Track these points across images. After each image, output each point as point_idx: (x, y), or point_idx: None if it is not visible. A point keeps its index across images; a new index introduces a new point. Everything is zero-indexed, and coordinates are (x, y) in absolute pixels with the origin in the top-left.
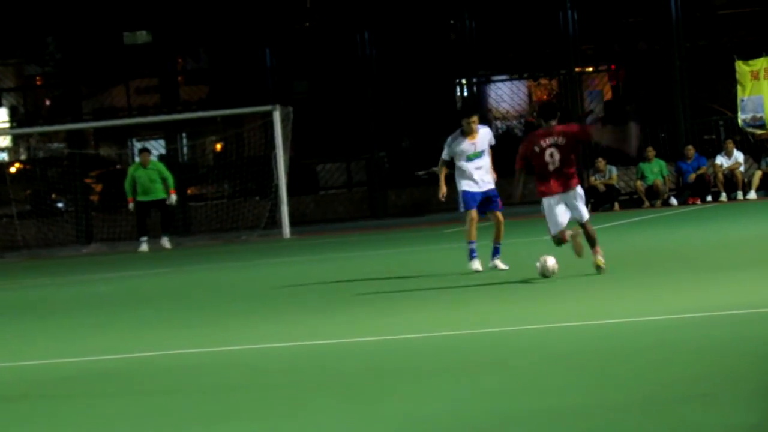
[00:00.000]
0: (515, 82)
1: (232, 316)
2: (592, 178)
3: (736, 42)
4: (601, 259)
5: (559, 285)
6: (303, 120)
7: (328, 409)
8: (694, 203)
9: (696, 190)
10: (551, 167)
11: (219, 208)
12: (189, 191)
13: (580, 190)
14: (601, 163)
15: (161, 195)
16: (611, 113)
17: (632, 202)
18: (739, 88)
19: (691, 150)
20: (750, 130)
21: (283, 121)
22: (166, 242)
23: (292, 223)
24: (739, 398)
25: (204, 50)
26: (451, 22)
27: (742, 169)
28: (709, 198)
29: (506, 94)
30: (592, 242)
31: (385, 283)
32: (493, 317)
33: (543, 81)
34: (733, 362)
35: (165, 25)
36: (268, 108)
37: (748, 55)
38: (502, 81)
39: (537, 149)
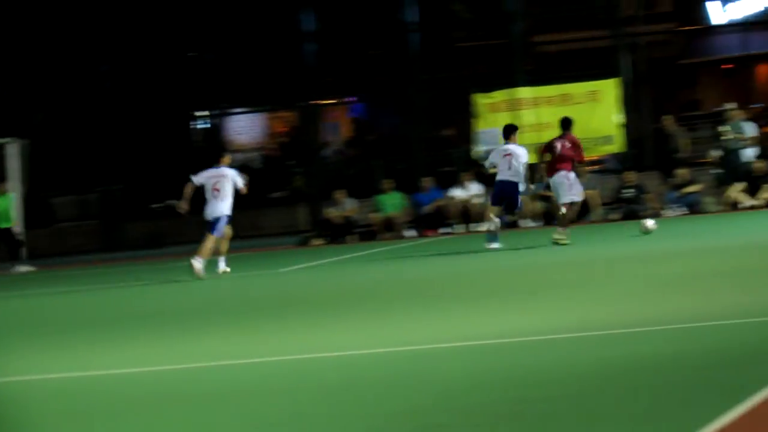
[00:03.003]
0: (254, 114)
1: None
2: (329, 210)
3: (474, 75)
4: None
5: (282, 317)
6: (38, 152)
7: None
8: (430, 235)
9: (432, 221)
10: None
11: None
12: None
13: None
14: (339, 194)
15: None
16: (350, 145)
17: (369, 234)
18: (476, 120)
19: (427, 182)
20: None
21: (20, 154)
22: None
23: (29, 257)
24: (472, 428)
25: None
26: (190, 54)
27: (478, 200)
28: (446, 229)
29: (245, 127)
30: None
31: (110, 316)
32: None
33: (282, 113)
34: (463, 393)
35: None
36: (2, 140)
37: (486, 88)
38: (240, 113)
39: None
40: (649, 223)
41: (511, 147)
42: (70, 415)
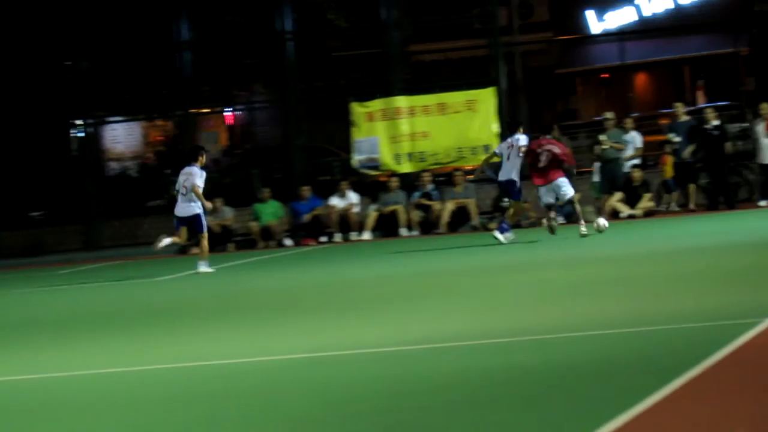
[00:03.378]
0: (131, 123)
1: None
2: (207, 219)
3: (351, 83)
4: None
5: (171, 326)
6: None
7: None
8: (308, 244)
9: (310, 230)
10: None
11: None
12: None
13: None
14: (216, 202)
15: None
16: (228, 154)
17: (247, 242)
18: (354, 129)
19: (306, 190)
20: (365, 171)
21: None
22: None
23: None
24: None
25: None
26: (66, 63)
27: (356, 209)
28: (324, 239)
29: (121, 135)
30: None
31: None
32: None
33: (159, 122)
34: (345, 401)
35: None
36: None
37: (364, 97)
38: (117, 122)
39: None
40: (601, 221)
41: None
42: None
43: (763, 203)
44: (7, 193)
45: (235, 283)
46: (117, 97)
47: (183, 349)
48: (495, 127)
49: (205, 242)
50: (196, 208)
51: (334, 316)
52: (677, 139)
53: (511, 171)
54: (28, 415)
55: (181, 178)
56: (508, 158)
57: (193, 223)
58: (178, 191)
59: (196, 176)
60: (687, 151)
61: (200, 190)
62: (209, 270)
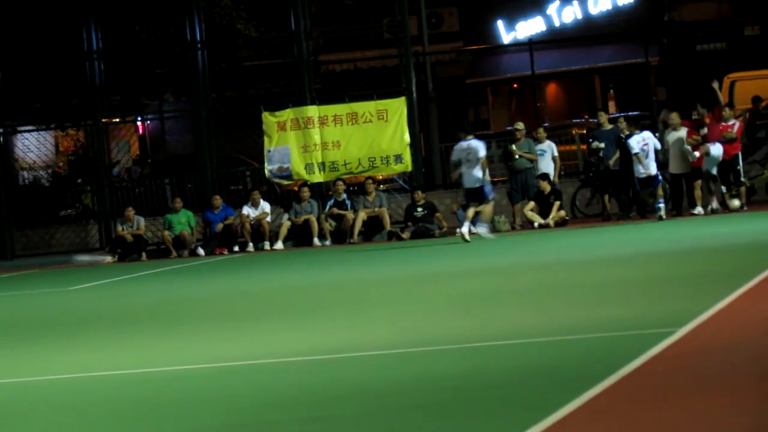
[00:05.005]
0: (42, 132)
1: None
2: (119, 228)
3: (262, 93)
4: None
5: (68, 335)
6: None
7: None
8: (221, 253)
9: (223, 240)
10: None
11: None
12: None
13: None
14: (129, 212)
15: None
16: (140, 163)
17: (160, 252)
18: (266, 138)
19: (218, 200)
20: (277, 180)
21: None
22: None
23: None
24: None
25: None
26: None
27: (269, 219)
28: (237, 248)
29: (33, 145)
30: None
31: None
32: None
33: (70, 131)
34: (249, 412)
35: None
36: None
37: (275, 107)
38: (28, 131)
39: None
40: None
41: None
42: None
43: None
44: None
45: (147, 293)
46: (28, 106)
47: (92, 358)
48: (407, 136)
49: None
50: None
51: (250, 325)
52: (601, 145)
53: (473, 176)
54: None
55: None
56: (468, 162)
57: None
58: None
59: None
60: (612, 160)
61: None
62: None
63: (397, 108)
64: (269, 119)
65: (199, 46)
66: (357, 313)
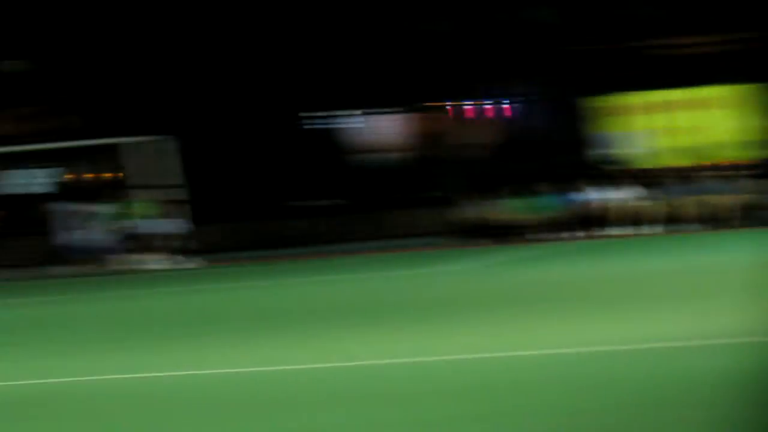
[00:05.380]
0: (397, 114)
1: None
2: (477, 211)
3: None
4: None
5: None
6: (179, 150)
7: None
8: None
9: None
10: None
11: None
12: None
13: None
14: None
15: None
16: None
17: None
18: None
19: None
20: None
21: (156, 152)
22: None
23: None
24: None
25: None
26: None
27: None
28: None
29: (384, 127)
30: None
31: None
32: (408, 347)
33: (418, 114)
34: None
35: (43, 53)
36: (144, 138)
37: None
38: (383, 114)
39: None
40: None
41: None
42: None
43: None
44: (274, 184)
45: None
46: (382, 88)
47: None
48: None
49: None
50: None
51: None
52: None
53: None
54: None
55: None
56: None
57: None
58: None
59: None
60: None
61: None
62: None
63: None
64: None
65: None
66: None
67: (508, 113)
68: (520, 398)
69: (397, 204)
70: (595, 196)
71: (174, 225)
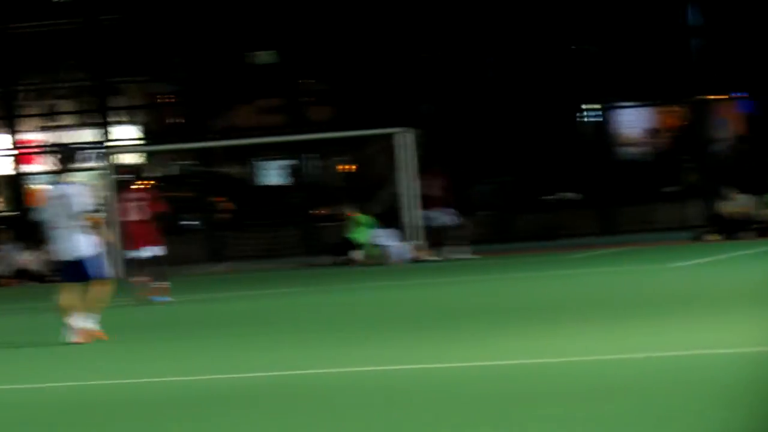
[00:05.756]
0: (640, 108)
1: (367, 337)
2: (722, 205)
3: None
4: None
5: (672, 313)
6: (429, 143)
7: None
8: None
9: None
10: None
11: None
12: (318, 212)
13: None
14: (730, 190)
15: None
16: (742, 141)
17: (765, 230)
18: None
19: None
20: None
21: (409, 144)
22: None
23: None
24: None
25: (330, 71)
26: (575, 47)
27: None
28: None
29: (633, 121)
30: None
31: (514, 306)
32: (633, 343)
33: (669, 108)
34: None
35: (291, 45)
36: (393, 130)
37: None
38: (629, 107)
39: None
40: None
41: None
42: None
43: None
44: (521, 177)
45: (752, 271)
46: (625, 82)
47: (704, 337)
48: None
49: None
50: None
51: None
52: None
53: None
54: (567, 398)
55: None
56: None
57: None
58: None
59: None
60: None
61: None
62: None
63: None
64: None
65: None
66: None
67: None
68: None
69: (659, 197)
70: None
71: (449, 217)
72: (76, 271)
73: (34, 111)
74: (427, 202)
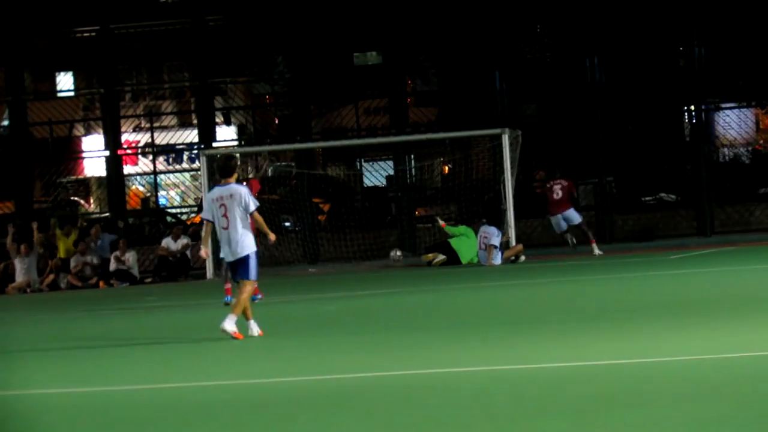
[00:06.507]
0: (743, 109)
1: (455, 339)
2: None
3: None
4: None
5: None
6: (531, 143)
7: None
8: None
9: None
10: None
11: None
12: (417, 212)
13: None
14: None
15: None
16: None
17: None
18: None
19: None
20: None
21: (512, 144)
22: None
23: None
24: None
25: (434, 72)
26: (680, 48)
27: None
28: None
29: (734, 122)
30: None
31: (611, 307)
32: (717, 342)
33: None
34: None
35: (395, 46)
36: (497, 131)
37: None
38: (730, 108)
39: None
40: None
41: None
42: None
43: None
44: (621, 177)
45: None
46: (730, 83)
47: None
48: None
49: None
50: None
51: None
52: None
53: None
54: (650, 396)
55: None
56: None
57: None
58: None
59: None
60: None
61: None
62: None
63: None
64: None
65: None
66: None
67: None
68: None
69: (756, 198)
70: None
71: (578, 216)
72: (243, 270)
73: (136, 111)
74: (557, 205)
